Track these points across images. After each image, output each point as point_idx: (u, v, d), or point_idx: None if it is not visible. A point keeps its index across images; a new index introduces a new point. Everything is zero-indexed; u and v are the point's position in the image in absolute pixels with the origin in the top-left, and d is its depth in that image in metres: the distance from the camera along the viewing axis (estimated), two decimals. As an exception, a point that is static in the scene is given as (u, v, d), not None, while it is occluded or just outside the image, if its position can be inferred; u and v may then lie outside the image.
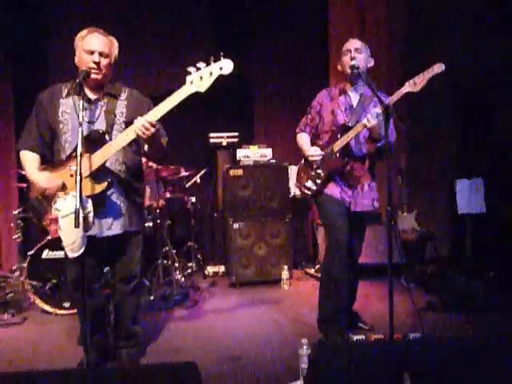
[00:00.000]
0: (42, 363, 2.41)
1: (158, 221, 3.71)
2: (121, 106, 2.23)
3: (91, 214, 1.90)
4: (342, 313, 2.52)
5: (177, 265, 4.00)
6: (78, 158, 1.80)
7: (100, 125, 2.16)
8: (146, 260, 3.96)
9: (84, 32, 2.17)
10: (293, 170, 4.01)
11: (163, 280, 3.77)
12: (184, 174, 4.12)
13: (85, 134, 2.05)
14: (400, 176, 4.63)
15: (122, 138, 2.04)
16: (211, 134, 4.39)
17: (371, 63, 2.57)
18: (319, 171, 2.55)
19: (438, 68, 2.23)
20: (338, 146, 2.48)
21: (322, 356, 1.45)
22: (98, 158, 2.05)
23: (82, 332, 2.29)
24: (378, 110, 2.30)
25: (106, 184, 2.02)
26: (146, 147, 2.18)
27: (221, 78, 2.03)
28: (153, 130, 1.99)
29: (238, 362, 2.36)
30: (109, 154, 2.05)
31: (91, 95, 2.21)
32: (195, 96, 2.03)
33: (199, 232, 4.60)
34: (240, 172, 3.91)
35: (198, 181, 4.22)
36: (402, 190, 4.64)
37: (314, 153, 2.50)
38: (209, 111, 4.89)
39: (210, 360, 2.39)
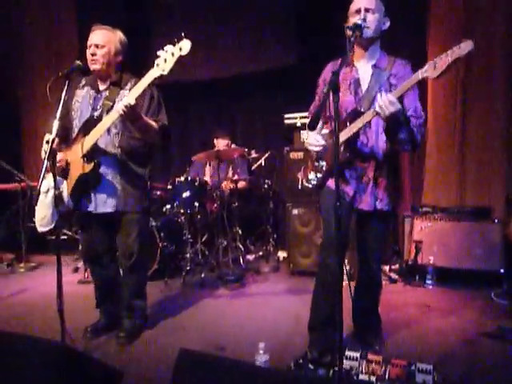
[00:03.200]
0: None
1: (219, 202, 3.80)
2: (122, 95, 2.35)
3: (64, 193, 2.12)
4: (332, 322, 2.15)
5: (241, 246, 4.07)
6: (50, 144, 2.00)
7: (99, 112, 2.35)
8: (210, 239, 4.16)
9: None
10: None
11: (223, 259, 3.88)
12: (254, 155, 4.09)
13: (85, 119, 2.31)
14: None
15: (106, 120, 2.20)
16: (286, 115, 4.20)
17: (386, 25, 2.04)
18: (322, 163, 2.18)
19: (466, 46, 1.65)
20: (342, 136, 2.01)
21: (181, 364, 1.31)
22: (89, 140, 2.25)
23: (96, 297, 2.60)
24: (392, 96, 1.78)
25: (92, 164, 2.21)
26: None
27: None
28: (131, 110, 2.09)
29: (219, 352, 2.30)
30: (97, 136, 2.23)
31: (101, 86, 2.42)
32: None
33: (275, 215, 4.53)
34: (301, 155, 3.66)
35: (263, 163, 4.13)
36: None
37: (313, 142, 2.11)
38: (297, 92, 4.70)
39: (194, 344, 2.39)
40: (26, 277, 4.02)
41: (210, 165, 4.55)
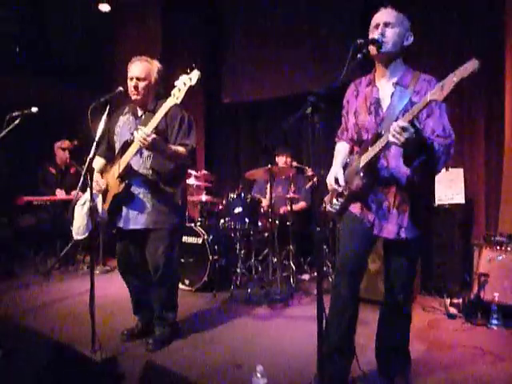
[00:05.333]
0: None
1: (270, 220, 3.80)
2: None
3: (99, 206, 2.34)
4: (341, 351, 2.02)
5: (292, 265, 4.01)
6: (87, 162, 2.24)
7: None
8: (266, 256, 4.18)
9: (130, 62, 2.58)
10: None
11: (273, 277, 3.86)
12: (309, 173, 4.04)
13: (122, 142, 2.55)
14: None
15: (132, 148, 2.39)
16: (346, 133, 4.07)
17: (409, 40, 1.91)
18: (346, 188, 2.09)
19: (471, 66, 1.48)
20: (363, 161, 1.93)
21: (146, 376, 1.36)
22: (122, 163, 2.46)
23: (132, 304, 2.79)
24: (402, 122, 1.66)
25: (123, 185, 2.42)
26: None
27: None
28: (149, 139, 2.25)
29: (236, 370, 2.31)
30: (127, 160, 2.42)
31: (139, 112, 2.62)
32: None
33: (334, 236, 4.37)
34: (353, 174, 3.51)
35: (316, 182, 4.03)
36: None
37: (330, 181, 2.04)
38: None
39: (215, 358, 2.44)
40: (97, 279, 4.44)
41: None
